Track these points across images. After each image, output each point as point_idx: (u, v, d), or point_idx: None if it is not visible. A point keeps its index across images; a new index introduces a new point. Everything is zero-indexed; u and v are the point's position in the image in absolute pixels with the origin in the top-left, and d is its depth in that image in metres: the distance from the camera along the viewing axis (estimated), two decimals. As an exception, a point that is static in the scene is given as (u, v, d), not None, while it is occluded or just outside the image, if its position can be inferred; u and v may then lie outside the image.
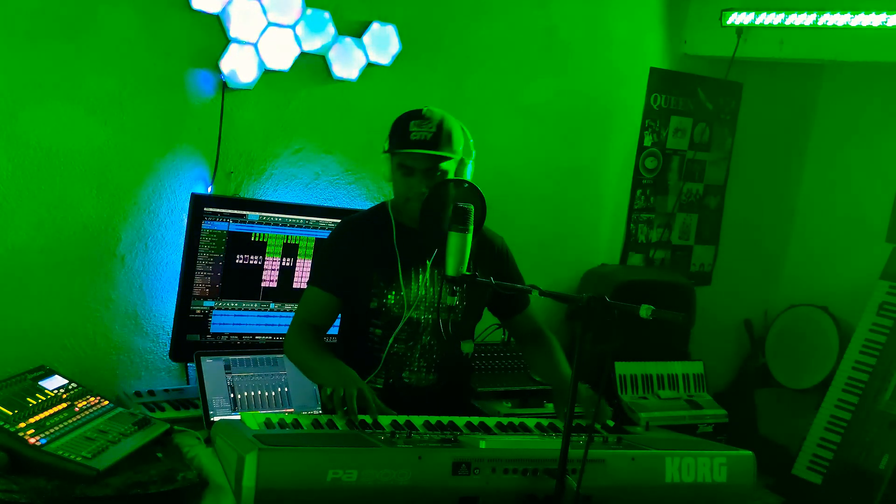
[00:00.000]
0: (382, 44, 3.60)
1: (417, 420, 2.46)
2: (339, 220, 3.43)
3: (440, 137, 2.63)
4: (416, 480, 2.17)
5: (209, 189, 3.36)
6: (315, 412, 3.19)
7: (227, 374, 3.17)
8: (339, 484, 2.09)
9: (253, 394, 3.18)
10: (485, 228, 2.83)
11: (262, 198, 3.49)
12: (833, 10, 3.96)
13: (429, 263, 2.72)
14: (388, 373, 2.71)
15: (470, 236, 2.45)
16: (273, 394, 3.21)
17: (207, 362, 3.15)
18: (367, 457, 2.16)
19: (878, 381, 4.17)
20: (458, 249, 2.45)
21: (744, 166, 4.94)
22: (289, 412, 3.16)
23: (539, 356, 2.91)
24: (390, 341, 2.67)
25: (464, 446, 2.29)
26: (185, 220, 3.27)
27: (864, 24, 3.88)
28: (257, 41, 3.33)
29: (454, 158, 2.67)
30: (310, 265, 3.45)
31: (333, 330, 2.88)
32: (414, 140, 2.62)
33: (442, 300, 2.71)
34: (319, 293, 2.73)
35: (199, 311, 3.29)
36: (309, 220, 3.44)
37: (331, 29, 3.47)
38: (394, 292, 2.69)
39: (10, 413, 2.61)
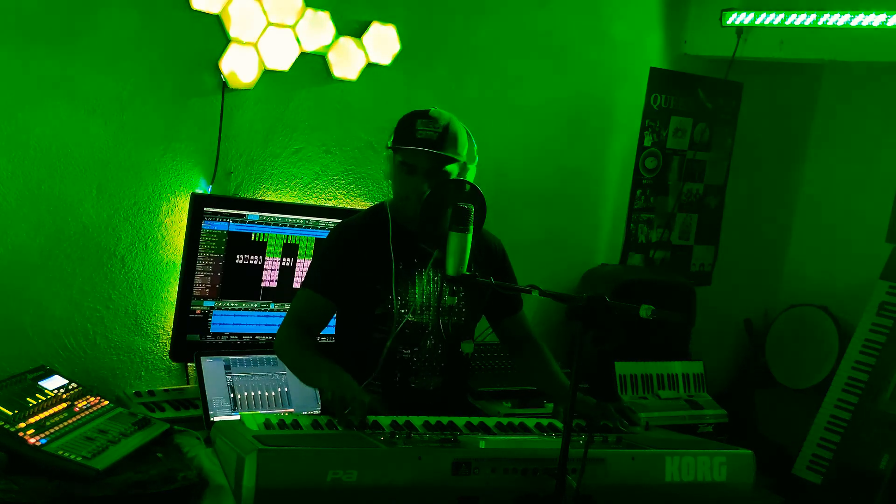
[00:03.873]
0: (382, 44, 3.60)
1: (417, 420, 2.46)
2: (339, 220, 3.45)
3: (446, 138, 2.63)
4: (416, 480, 2.17)
5: (209, 189, 3.36)
6: (315, 412, 3.19)
7: (227, 374, 3.17)
8: (339, 484, 2.10)
9: (253, 394, 3.18)
10: (484, 231, 2.83)
11: (262, 198, 3.49)
12: (833, 10, 3.96)
13: (430, 264, 2.72)
14: (394, 377, 2.70)
15: (470, 236, 2.46)
16: (273, 394, 3.21)
17: (207, 362, 3.15)
18: (367, 457, 2.16)
19: (878, 381, 4.17)
20: (459, 250, 2.45)
21: (744, 166, 4.94)
22: (289, 412, 3.17)
23: (533, 366, 2.90)
24: (387, 344, 2.66)
25: (464, 446, 2.29)
26: (185, 220, 3.28)
27: (864, 24, 3.88)
28: (257, 41, 3.33)
29: (458, 161, 2.66)
30: (309, 265, 3.45)
31: (328, 330, 2.88)
32: (419, 138, 2.61)
33: (442, 301, 2.71)
34: (314, 296, 2.71)
35: (199, 311, 3.29)
36: (309, 220, 3.44)
37: (331, 29, 3.47)
38: (397, 296, 2.68)
39: (10, 413, 2.61)
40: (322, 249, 2.83)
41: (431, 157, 2.61)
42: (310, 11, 3.41)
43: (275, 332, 3.37)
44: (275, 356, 3.25)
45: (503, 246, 2.91)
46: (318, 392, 3.25)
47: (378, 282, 2.68)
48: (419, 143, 2.61)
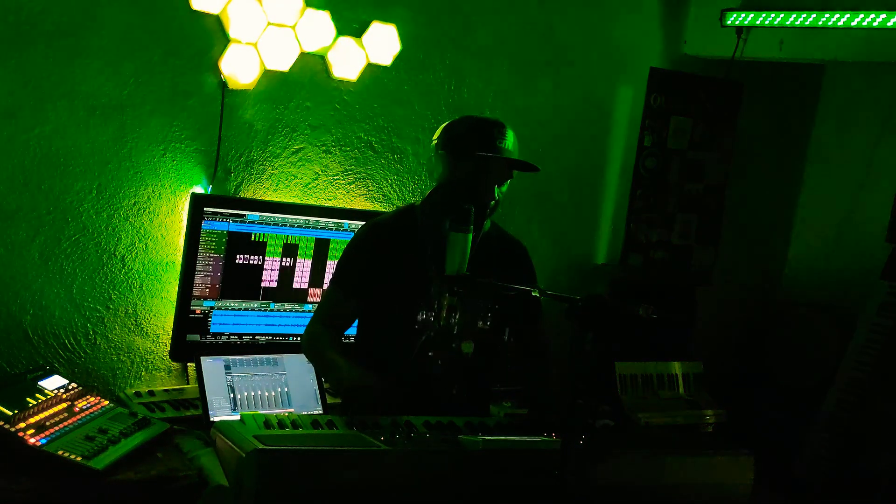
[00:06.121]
0: (382, 44, 3.60)
1: (417, 420, 2.47)
2: (338, 221, 3.46)
3: (517, 148, 2.73)
4: (416, 480, 2.17)
5: (209, 189, 3.36)
6: (315, 412, 3.20)
7: (227, 374, 3.17)
8: (339, 484, 2.10)
9: (253, 394, 3.18)
10: (509, 235, 2.85)
11: (262, 198, 3.49)
12: (833, 10, 3.96)
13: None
14: (417, 380, 2.69)
15: (470, 237, 2.46)
16: (273, 394, 3.21)
17: (207, 362, 3.15)
18: (368, 457, 2.17)
19: (878, 381, 4.17)
20: (459, 250, 2.46)
21: (744, 166, 4.94)
22: (289, 412, 3.17)
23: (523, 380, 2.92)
24: (416, 349, 2.65)
25: (464, 446, 2.30)
26: (185, 220, 3.28)
27: (864, 24, 3.88)
28: (257, 41, 3.33)
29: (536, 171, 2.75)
30: (310, 265, 3.46)
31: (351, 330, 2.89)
32: (501, 146, 2.67)
33: (442, 300, 2.70)
34: (341, 294, 2.74)
35: (199, 311, 3.29)
36: (309, 221, 3.44)
37: (331, 29, 3.47)
38: (425, 300, 2.68)
39: (10, 413, 2.60)
40: (352, 248, 2.83)
41: (510, 167, 2.69)
42: (310, 11, 3.41)
43: (275, 332, 3.41)
44: (275, 356, 3.26)
45: (527, 251, 2.91)
46: (318, 392, 3.26)
47: (408, 285, 2.67)
48: (503, 151, 2.67)
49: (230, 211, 3.29)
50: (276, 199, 3.50)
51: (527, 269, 2.90)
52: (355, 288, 2.72)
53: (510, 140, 2.70)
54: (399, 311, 2.69)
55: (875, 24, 3.85)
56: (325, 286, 3.40)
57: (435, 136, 2.76)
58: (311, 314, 2.92)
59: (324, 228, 3.46)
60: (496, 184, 2.68)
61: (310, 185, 3.60)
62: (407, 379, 2.64)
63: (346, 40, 3.53)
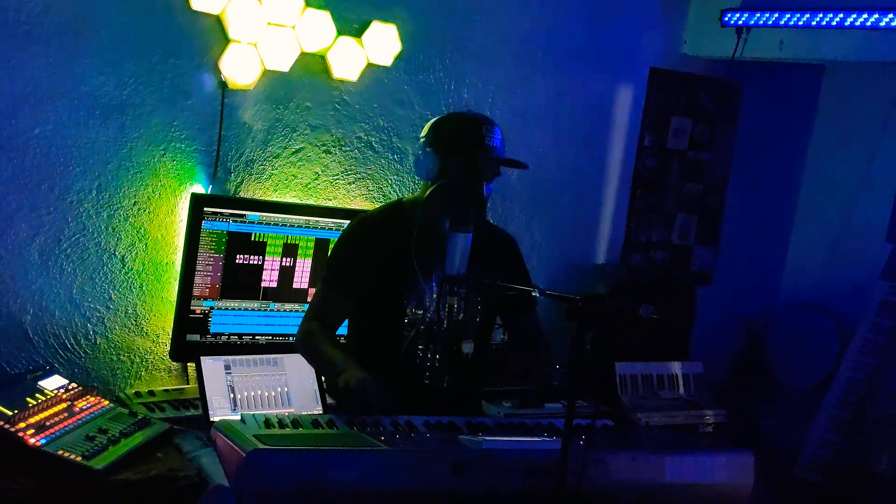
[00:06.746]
0: (382, 44, 3.60)
1: (417, 420, 2.47)
2: (338, 221, 3.45)
3: (504, 145, 2.72)
4: (416, 481, 2.17)
5: (209, 189, 3.36)
6: (315, 412, 3.20)
7: (227, 374, 3.17)
8: (339, 484, 2.10)
9: (253, 394, 3.18)
10: (497, 228, 2.85)
11: (262, 198, 3.49)
12: (832, 10, 3.96)
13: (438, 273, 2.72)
14: (409, 375, 2.69)
15: (470, 237, 2.47)
16: (273, 394, 3.21)
17: (207, 362, 3.15)
18: (367, 457, 2.17)
19: (878, 381, 4.17)
20: (461, 250, 2.46)
21: (744, 166, 4.94)
22: (289, 412, 3.17)
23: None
24: (405, 343, 2.66)
25: (464, 446, 2.29)
26: (185, 220, 3.28)
27: (864, 25, 3.88)
28: (257, 41, 3.33)
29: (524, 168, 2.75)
30: (310, 265, 3.46)
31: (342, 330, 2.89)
32: (490, 144, 2.67)
33: (442, 300, 2.71)
34: (332, 292, 2.73)
35: (199, 311, 3.29)
36: (309, 220, 3.44)
37: (331, 29, 3.47)
38: (415, 296, 2.68)
39: (10, 413, 2.61)
40: (343, 245, 2.82)
41: (498, 164, 2.68)
42: (310, 11, 3.41)
43: (275, 332, 3.41)
44: (275, 356, 3.26)
45: (516, 243, 2.92)
46: (318, 392, 3.26)
47: (398, 281, 2.68)
48: (491, 150, 2.66)
49: (230, 211, 3.29)
50: (276, 199, 3.51)
51: (516, 261, 2.90)
52: (350, 286, 2.72)
53: (498, 137, 2.70)
54: (390, 306, 2.69)
55: (874, 24, 3.85)
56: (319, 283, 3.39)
57: (423, 134, 2.75)
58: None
59: (324, 228, 3.46)
60: (485, 181, 2.68)
61: (310, 185, 3.60)
62: (398, 373, 2.65)
63: (346, 40, 3.53)
